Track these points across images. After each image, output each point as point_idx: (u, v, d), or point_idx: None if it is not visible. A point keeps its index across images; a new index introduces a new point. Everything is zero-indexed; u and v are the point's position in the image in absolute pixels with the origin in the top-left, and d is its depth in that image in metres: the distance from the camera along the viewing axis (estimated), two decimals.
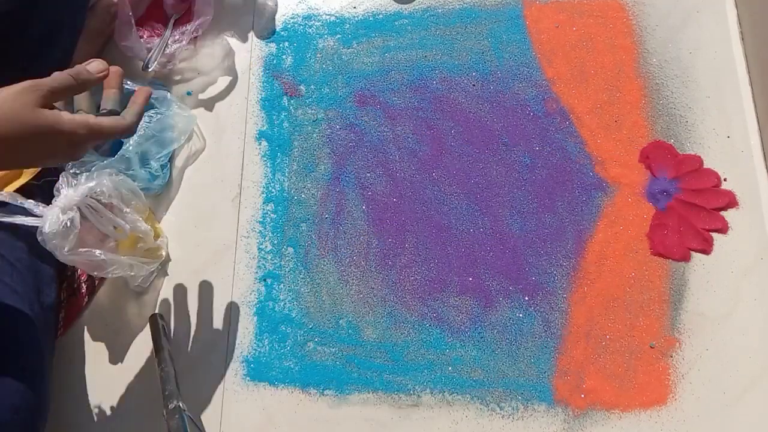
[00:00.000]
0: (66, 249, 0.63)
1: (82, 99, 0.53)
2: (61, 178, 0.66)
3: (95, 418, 0.72)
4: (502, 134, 0.78)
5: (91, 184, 0.66)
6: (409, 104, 0.81)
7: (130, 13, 0.80)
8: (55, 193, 0.65)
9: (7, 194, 0.63)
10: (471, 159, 0.77)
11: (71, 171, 0.70)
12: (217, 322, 0.75)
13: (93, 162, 0.74)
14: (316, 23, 0.87)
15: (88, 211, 0.66)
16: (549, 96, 0.79)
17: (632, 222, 0.73)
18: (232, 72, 0.86)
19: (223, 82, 0.85)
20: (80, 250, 0.65)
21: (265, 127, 0.82)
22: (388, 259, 0.74)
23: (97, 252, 0.66)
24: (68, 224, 0.63)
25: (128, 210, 0.70)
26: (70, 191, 0.65)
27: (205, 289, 0.76)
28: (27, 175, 0.73)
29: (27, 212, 0.64)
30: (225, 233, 0.78)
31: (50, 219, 0.63)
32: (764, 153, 0.74)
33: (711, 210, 0.72)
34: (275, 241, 0.77)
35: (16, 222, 0.64)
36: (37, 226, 0.64)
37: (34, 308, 0.67)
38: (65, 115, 0.48)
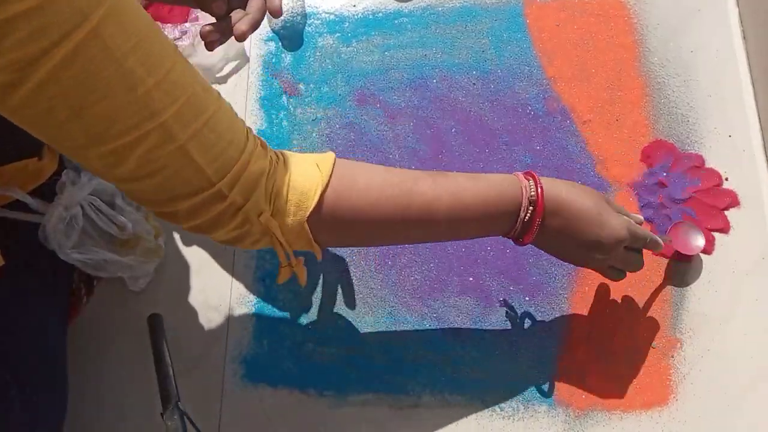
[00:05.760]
0: (69, 247, 0.63)
1: None
2: (63, 176, 0.65)
3: (94, 419, 0.72)
4: (502, 133, 0.78)
5: (95, 182, 0.66)
6: (409, 103, 0.80)
7: None
8: (57, 190, 0.64)
9: (10, 189, 0.62)
10: (471, 158, 0.77)
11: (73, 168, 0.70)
12: (216, 322, 0.74)
13: None
14: (316, 21, 0.86)
15: (90, 210, 0.65)
16: (550, 95, 0.79)
17: None
18: (231, 71, 0.85)
19: (222, 81, 0.85)
20: (82, 248, 0.64)
21: (264, 126, 0.82)
22: (387, 259, 0.74)
23: (99, 251, 0.65)
24: (71, 222, 0.63)
25: (131, 209, 0.70)
26: (73, 189, 0.64)
27: (204, 289, 0.76)
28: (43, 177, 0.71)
29: (28, 208, 0.63)
30: None
31: (53, 216, 0.62)
32: (766, 152, 0.73)
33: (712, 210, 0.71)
34: None
35: (17, 218, 0.63)
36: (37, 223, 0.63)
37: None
38: None
